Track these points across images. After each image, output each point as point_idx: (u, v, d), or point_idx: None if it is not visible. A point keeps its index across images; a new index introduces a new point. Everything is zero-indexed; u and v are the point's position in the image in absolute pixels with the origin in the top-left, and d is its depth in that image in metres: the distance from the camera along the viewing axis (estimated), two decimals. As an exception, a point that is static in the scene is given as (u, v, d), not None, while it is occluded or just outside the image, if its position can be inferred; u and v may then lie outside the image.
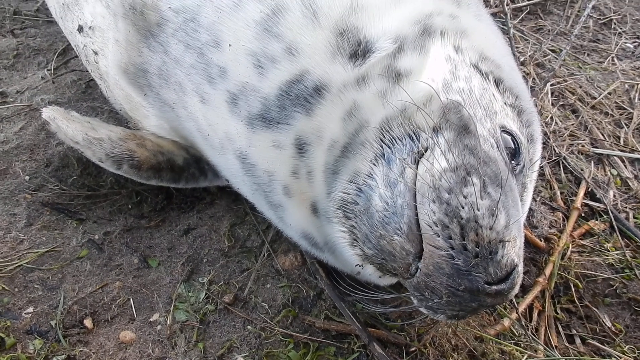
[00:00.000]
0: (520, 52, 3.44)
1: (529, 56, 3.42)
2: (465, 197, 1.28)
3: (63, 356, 1.79)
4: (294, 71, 1.54)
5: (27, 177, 2.43)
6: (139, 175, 2.16)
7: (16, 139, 2.61)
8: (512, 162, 1.53)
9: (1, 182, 2.40)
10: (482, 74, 1.63)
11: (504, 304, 2.00)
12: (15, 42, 3.35)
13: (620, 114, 3.02)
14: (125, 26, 1.87)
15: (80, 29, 2.28)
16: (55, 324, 1.88)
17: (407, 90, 1.46)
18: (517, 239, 1.35)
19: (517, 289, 1.37)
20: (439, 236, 1.27)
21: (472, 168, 1.33)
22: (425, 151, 1.40)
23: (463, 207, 1.27)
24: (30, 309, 1.93)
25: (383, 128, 1.44)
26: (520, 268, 1.36)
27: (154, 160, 2.16)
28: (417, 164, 1.37)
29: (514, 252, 1.32)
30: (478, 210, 1.27)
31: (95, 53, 2.23)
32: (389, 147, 1.42)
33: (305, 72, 1.53)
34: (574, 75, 3.30)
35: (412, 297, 1.44)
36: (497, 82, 1.66)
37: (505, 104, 1.63)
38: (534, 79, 3.22)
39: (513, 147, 1.54)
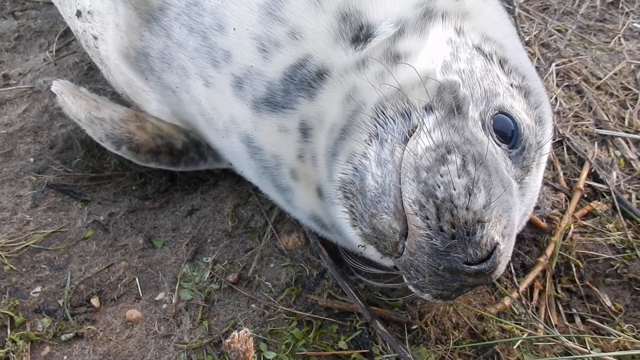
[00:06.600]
0: (525, 32, 3.40)
1: (534, 36, 3.38)
2: (442, 175, 1.27)
3: (71, 334, 1.83)
4: (298, 55, 1.54)
5: (31, 159, 2.45)
6: (137, 157, 2.17)
7: (20, 121, 2.62)
8: (508, 144, 1.49)
9: (6, 164, 2.42)
10: (485, 55, 1.61)
11: (505, 284, 2.03)
12: (16, 24, 3.34)
13: (626, 95, 2.99)
14: (125, 10, 1.86)
15: (78, 13, 2.26)
16: (63, 302, 1.91)
17: (404, 72, 1.45)
18: (502, 218, 1.32)
19: (501, 269, 1.35)
20: (417, 215, 1.28)
21: (454, 146, 1.32)
22: (414, 130, 1.40)
23: (439, 187, 1.26)
24: (38, 289, 1.96)
25: (378, 108, 1.45)
26: (504, 247, 1.32)
27: (153, 144, 2.18)
28: (407, 143, 1.38)
29: (495, 231, 1.29)
30: (454, 189, 1.26)
31: (95, 38, 2.22)
32: (382, 127, 1.43)
33: (309, 57, 1.53)
34: (580, 55, 3.26)
35: (403, 276, 1.46)
36: (502, 63, 1.64)
37: (512, 85, 1.61)
38: (538, 59, 3.19)
39: (512, 129, 1.50)
